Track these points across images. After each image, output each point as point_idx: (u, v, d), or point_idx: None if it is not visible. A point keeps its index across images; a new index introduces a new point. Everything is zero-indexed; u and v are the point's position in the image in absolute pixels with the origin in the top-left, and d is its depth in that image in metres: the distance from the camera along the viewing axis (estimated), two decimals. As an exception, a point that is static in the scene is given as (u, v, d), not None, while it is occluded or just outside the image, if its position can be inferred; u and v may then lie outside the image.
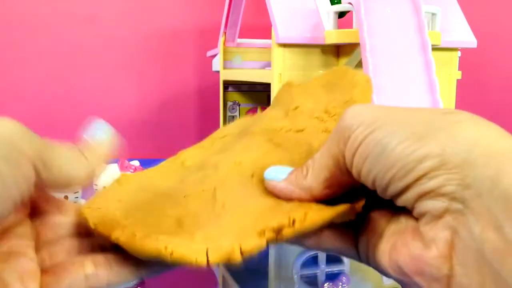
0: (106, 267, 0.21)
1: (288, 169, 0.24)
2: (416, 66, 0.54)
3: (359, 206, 0.23)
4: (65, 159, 0.22)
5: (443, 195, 0.18)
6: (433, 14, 0.61)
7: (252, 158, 0.26)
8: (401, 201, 0.20)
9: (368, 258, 0.23)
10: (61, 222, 0.24)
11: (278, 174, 0.24)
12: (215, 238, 0.21)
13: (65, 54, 0.97)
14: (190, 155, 0.29)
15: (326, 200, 0.23)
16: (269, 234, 0.20)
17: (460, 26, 0.69)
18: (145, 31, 0.99)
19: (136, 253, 0.21)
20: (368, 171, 0.20)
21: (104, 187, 0.51)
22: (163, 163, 0.29)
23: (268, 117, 0.29)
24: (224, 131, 0.31)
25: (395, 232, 0.21)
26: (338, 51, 0.65)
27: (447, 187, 0.18)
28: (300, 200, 0.23)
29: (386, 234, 0.22)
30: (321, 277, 0.50)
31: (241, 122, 0.30)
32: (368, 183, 0.20)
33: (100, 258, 0.22)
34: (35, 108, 0.97)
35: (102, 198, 0.25)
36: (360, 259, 0.24)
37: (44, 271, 0.21)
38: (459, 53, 0.70)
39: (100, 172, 0.24)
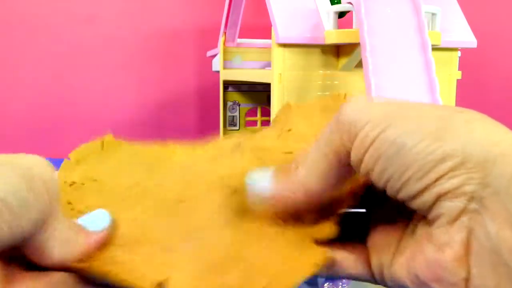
0: None
1: (271, 168, 0.22)
2: (416, 66, 0.54)
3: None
4: (52, 244, 0.19)
5: (462, 194, 0.18)
6: (433, 14, 0.61)
7: (235, 173, 0.25)
8: (416, 204, 0.19)
9: (383, 278, 0.22)
10: None
11: (261, 175, 0.22)
12: (172, 267, 0.20)
13: (65, 54, 0.97)
14: (182, 152, 0.29)
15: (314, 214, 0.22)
16: None
17: (460, 26, 0.69)
18: (145, 31, 0.99)
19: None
20: (382, 171, 0.19)
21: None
22: (152, 148, 0.29)
23: (261, 135, 0.29)
24: (220, 142, 0.31)
25: (410, 244, 0.20)
26: (338, 51, 0.65)
27: (467, 186, 0.17)
28: (293, 202, 0.22)
29: (401, 249, 0.21)
30: (321, 277, 0.50)
31: (238, 137, 0.30)
32: (380, 183, 0.19)
33: (69, 278, 0.20)
34: (35, 108, 0.97)
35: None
36: (376, 281, 0.23)
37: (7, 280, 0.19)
38: (459, 53, 0.70)
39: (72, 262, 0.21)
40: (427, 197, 0.18)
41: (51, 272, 0.20)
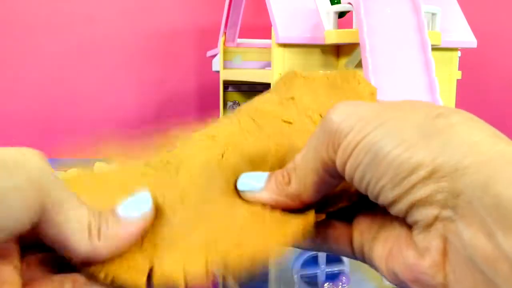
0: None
1: (262, 175, 0.23)
2: (416, 66, 0.54)
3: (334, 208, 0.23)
4: (72, 226, 0.18)
5: (433, 202, 0.18)
6: (433, 14, 0.61)
7: (228, 133, 0.25)
8: (393, 210, 0.19)
9: (363, 257, 0.23)
10: None
11: (253, 183, 0.22)
12: (162, 256, 0.20)
13: (65, 54, 0.97)
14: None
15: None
16: (216, 266, 0.20)
17: (460, 26, 0.69)
18: (145, 31, 0.99)
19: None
20: (360, 179, 0.19)
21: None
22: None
23: (262, 99, 0.28)
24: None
25: (390, 237, 0.21)
26: (338, 51, 0.65)
27: (438, 194, 0.18)
28: (288, 207, 0.22)
29: (381, 238, 0.21)
30: (321, 277, 0.50)
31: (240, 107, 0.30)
32: (361, 190, 0.20)
33: (81, 278, 0.20)
34: (35, 108, 0.97)
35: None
36: (356, 258, 0.24)
37: (25, 283, 0.19)
38: (459, 53, 0.70)
39: (106, 256, 0.19)
40: (402, 205, 0.19)
41: (74, 274, 0.19)
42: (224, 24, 0.83)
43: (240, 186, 0.23)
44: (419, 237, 0.19)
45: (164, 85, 1.01)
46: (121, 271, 0.19)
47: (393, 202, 0.19)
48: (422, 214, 0.18)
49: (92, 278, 0.19)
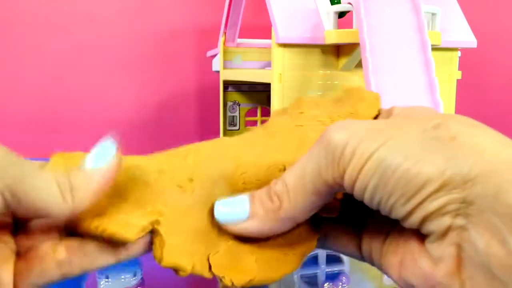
0: (80, 253, 0.20)
1: (242, 199, 0.21)
2: (416, 66, 0.54)
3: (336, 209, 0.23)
4: (41, 192, 0.19)
5: (446, 213, 0.18)
6: (433, 14, 0.61)
7: (243, 143, 0.26)
8: (406, 224, 0.19)
9: (372, 262, 0.23)
10: None
11: (233, 210, 0.21)
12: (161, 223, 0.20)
13: (65, 54, 0.97)
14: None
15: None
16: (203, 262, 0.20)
17: (460, 26, 0.69)
18: (145, 31, 0.99)
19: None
20: (371, 197, 0.19)
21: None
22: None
23: (273, 120, 0.29)
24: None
25: (401, 245, 0.21)
26: (338, 51, 0.65)
27: (450, 205, 0.18)
28: (279, 232, 0.21)
29: (391, 246, 0.21)
30: (321, 277, 0.50)
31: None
32: (373, 207, 0.20)
33: (74, 242, 0.20)
34: (35, 108, 0.97)
35: None
36: (364, 260, 0.24)
37: (18, 255, 0.20)
38: (459, 53, 0.70)
39: (86, 206, 0.20)
40: (415, 218, 0.19)
41: (69, 238, 0.20)
42: (224, 24, 0.83)
43: (219, 216, 0.21)
44: (433, 246, 0.19)
45: (164, 85, 1.01)
46: (112, 224, 0.20)
47: (406, 217, 0.19)
48: (436, 225, 0.18)
49: (85, 234, 0.20)
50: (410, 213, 0.19)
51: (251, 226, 0.21)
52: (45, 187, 0.19)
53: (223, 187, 0.22)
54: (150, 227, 0.20)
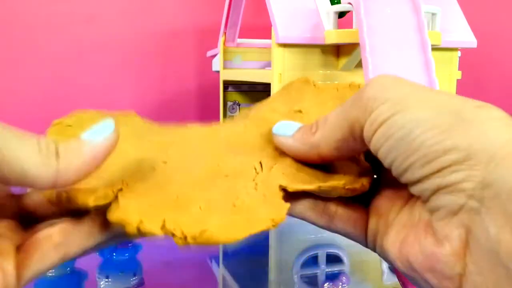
0: (76, 233, 0.20)
1: (296, 125, 0.24)
2: (416, 66, 0.54)
3: (366, 182, 0.23)
4: (20, 153, 0.18)
5: (461, 191, 0.17)
6: (433, 14, 0.61)
7: (235, 134, 0.26)
8: (416, 190, 0.19)
9: (375, 244, 0.23)
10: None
11: (285, 130, 0.24)
12: (129, 197, 0.20)
13: (65, 54, 0.97)
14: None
15: (333, 164, 0.23)
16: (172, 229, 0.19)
17: (460, 26, 0.69)
18: (145, 31, 0.99)
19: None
20: (387, 152, 0.19)
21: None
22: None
23: (270, 108, 0.29)
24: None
25: (407, 223, 0.20)
26: (338, 51, 0.65)
27: (466, 183, 0.17)
28: (307, 158, 0.23)
29: (397, 223, 0.21)
30: (321, 277, 0.50)
31: (250, 109, 0.30)
32: (385, 163, 0.20)
33: (68, 224, 0.20)
34: (35, 108, 0.97)
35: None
36: (367, 245, 0.23)
37: (18, 247, 0.20)
38: (459, 53, 0.70)
39: (73, 177, 0.19)
40: (427, 186, 0.18)
41: (62, 220, 0.20)
42: (224, 24, 0.83)
43: (274, 130, 0.24)
44: (440, 224, 0.18)
45: (164, 85, 1.01)
46: (75, 190, 0.19)
47: (419, 181, 0.19)
48: (447, 201, 0.18)
49: (61, 202, 0.20)
50: (425, 178, 0.18)
51: (288, 142, 0.23)
52: (25, 149, 0.18)
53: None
54: (112, 195, 0.20)
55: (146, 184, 0.21)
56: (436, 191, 0.18)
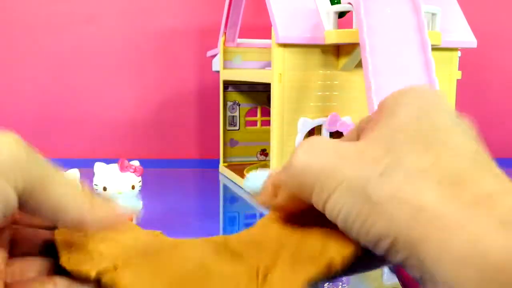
0: None
1: (263, 175, 0.24)
2: (416, 66, 0.54)
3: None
4: (63, 192, 0.19)
5: (413, 267, 0.17)
6: (433, 14, 0.61)
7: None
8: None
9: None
10: (40, 237, 0.22)
11: (255, 184, 0.24)
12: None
13: (65, 54, 0.97)
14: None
15: None
16: None
17: (460, 26, 0.69)
18: (145, 31, 0.99)
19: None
20: (343, 228, 0.19)
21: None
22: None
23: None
24: None
25: None
26: (338, 51, 0.65)
27: (411, 260, 0.17)
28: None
29: None
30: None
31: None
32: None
33: (62, 281, 0.20)
34: (35, 108, 0.97)
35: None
36: None
37: (8, 286, 0.19)
38: (459, 53, 0.70)
39: (97, 226, 0.21)
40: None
41: (56, 277, 0.20)
42: (224, 24, 0.83)
43: (245, 181, 0.24)
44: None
45: (164, 85, 1.01)
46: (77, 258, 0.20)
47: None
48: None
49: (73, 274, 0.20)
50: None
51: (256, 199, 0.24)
52: (65, 188, 0.20)
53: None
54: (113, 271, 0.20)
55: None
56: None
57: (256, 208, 0.65)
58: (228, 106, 0.87)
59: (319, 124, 0.66)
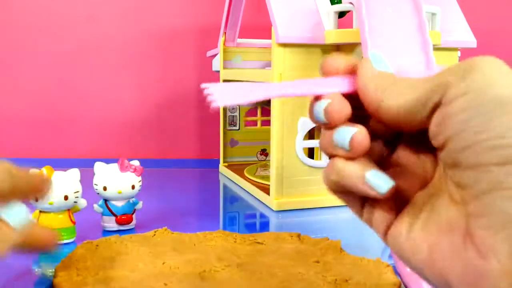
0: None
1: (387, 64, 0.22)
2: (417, 66, 0.54)
3: None
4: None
5: None
6: (433, 14, 0.61)
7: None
8: (466, 179, 0.17)
9: (384, 234, 0.21)
10: None
11: (376, 62, 0.22)
12: None
13: (65, 54, 0.97)
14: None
15: None
16: None
17: (460, 26, 0.69)
18: (145, 31, 0.99)
19: None
20: (460, 122, 0.17)
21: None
22: None
23: None
24: None
25: (437, 223, 0.18)
26: (338, 50, 0.65)
27: None
28: (366, 105, 0.22)
29: (423, 218, 0.19)
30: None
31: None
32: (451, 130, 0.17)
33: None
34: (35, 108, 0.97)
35: None
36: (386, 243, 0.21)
37: None
38: (458, 53, 0.70)
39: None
40: (483, 177, 0.16)
41: None
42: (224, 24, 0.83)
43: (370, 54, 0.22)
44: (483, 233, 0.16)
45: (164, 85, 1.01)
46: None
47: (476, 167, 0.16)
48: (502, 208, 0.15)
49: None
50: (484, 166, 0.16)
51: (367, 76, 0.22)
52: None
53: None
54: None
55: None
56: (491, 190, 0.16)
57: (256, 208, 0.65)
58: (228, 106, 0.87)
59: (319, 124, 0.66)
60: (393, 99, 0.20)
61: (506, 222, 0.15)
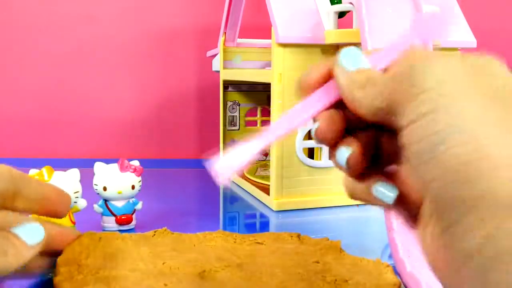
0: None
1: (363, 61, 0.23)
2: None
3: None
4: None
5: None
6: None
7: None
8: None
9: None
10: None
11: (348, 62, 0.24)
12: None
13: (65, 54, 0.97)
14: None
15: None
16: None
17: (460, 26, 0.69)
18: (145, 31, 0.99)
19: None
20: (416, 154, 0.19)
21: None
22: None
23: None
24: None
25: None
26: (338, 51, 0.65)
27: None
28: (347, 104, 0.23)
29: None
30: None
31: None
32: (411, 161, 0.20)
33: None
34: (35, 108, 0.97)
35: None
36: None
37: None
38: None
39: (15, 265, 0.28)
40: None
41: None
42: (224, 24, 0.83)
43: (341, 55, 0.24)
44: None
45: (164, 85, 1.01)
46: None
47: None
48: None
49: None
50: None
51: (343, 79, 0.23)
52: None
53: None
54: None
55: None
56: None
57: (256, 208, 0.65)
58: (228, 106, 0.87)
59: (319, 124, 0.66)
60: (363, 105, 0.21)
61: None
